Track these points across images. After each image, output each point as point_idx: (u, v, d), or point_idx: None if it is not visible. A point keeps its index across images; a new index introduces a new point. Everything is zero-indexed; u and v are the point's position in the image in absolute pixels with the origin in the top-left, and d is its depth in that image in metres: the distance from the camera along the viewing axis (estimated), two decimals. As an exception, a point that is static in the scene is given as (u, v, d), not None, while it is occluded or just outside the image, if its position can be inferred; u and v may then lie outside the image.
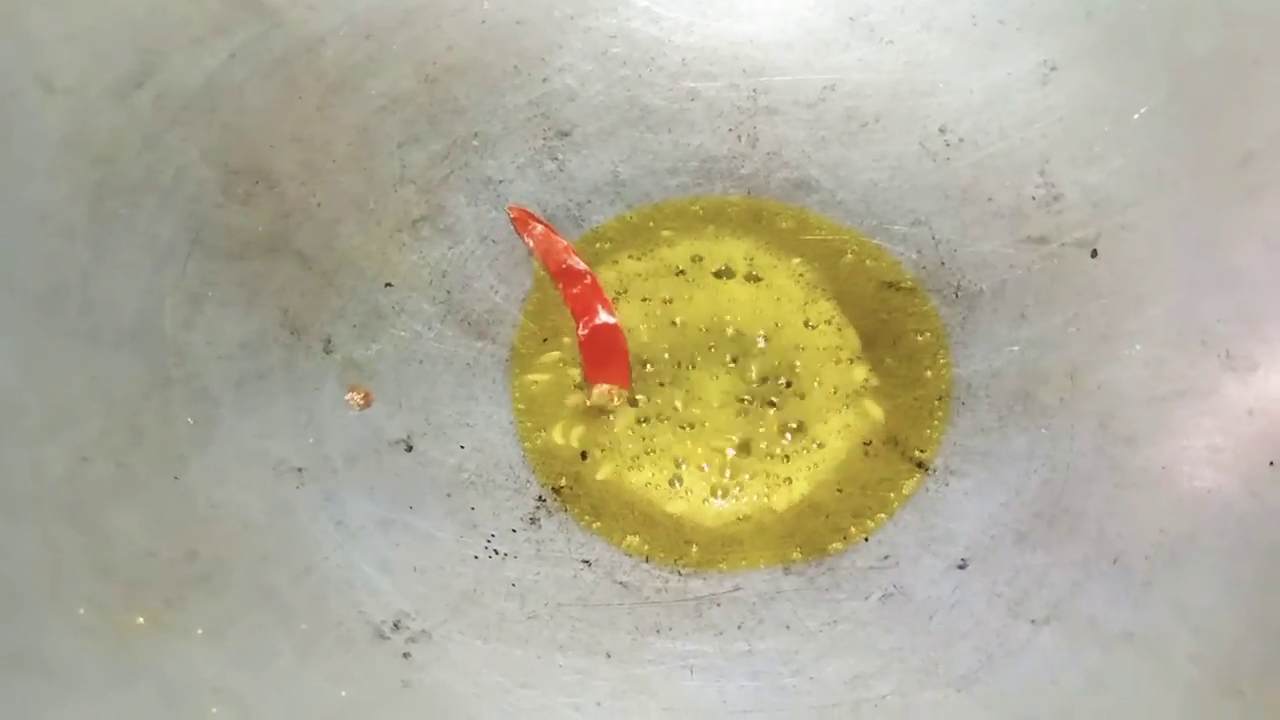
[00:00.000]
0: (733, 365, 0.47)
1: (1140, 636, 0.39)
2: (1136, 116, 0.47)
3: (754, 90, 0.51)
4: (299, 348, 0.45)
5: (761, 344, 0.47)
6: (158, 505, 0.40)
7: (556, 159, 0.50)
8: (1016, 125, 0.49)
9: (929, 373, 0.47)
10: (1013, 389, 0.46)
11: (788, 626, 0.41)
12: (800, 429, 0.45)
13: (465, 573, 0.42)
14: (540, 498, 0.44)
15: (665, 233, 0.49)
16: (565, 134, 0.50)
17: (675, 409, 0.46)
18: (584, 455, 0.45)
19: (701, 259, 0.49)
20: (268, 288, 0.45)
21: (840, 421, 0.45)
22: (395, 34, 0.49)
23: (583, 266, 0.48)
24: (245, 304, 0.45)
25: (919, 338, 0.47)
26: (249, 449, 0.42)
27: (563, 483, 0.45)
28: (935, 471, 0.45)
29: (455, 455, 0.44)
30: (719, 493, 0.44)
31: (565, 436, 0.45)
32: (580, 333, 0.47)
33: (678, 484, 0.44)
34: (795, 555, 0.43)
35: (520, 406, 0.46)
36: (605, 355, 0.46)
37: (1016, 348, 0.46)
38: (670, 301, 0.48)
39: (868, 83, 0.51)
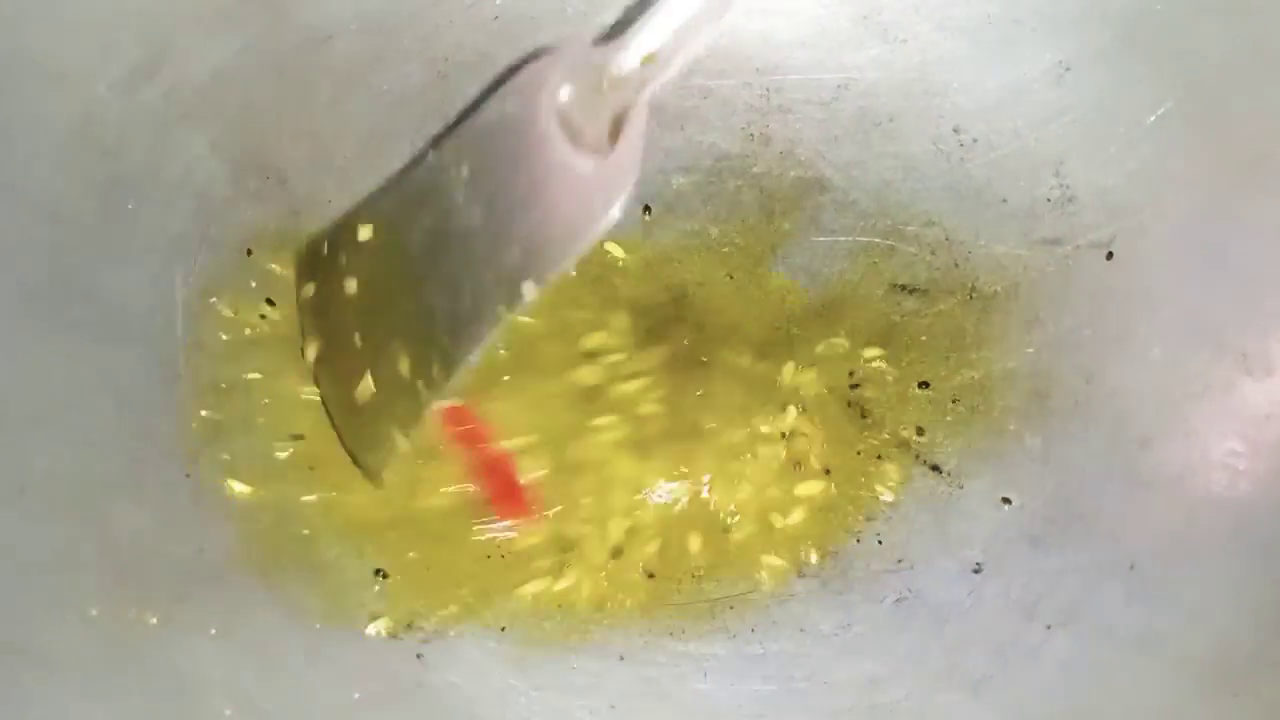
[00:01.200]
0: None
1: (1155, 641, 0.39)
2: (1152, 118, 0.46)
3: (767, 89, 0.51)
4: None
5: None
6: (168, 503, 0.40)
7: (568, 156, 0.50)
8: (1030, 126, 0.49)
9: (942, 376, 0.46)
10: (1027, 391, 0.46)
11: (801, 629, 0.41)
12: (812, 431, 0.45)
13: (478, 573, 0.42)
14: (552, 497, 0.44)
15: None
16: (577, 131, 0.50)
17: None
18: None
19: None
20: (278, 284, 0.45)
21: (853, 424, 0.45)
22: (406, 29, 0.49)
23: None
24: (254, 300, 0.44)
25: (932, 340, 0.47)
26: (259, 446, 0.42)
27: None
28: (949, 475, 0.44)
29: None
30: (730, 493, 0.44)
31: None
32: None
33: (690, 484, 0.44)
34: (808, 558, 0.43)
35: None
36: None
37: (1031, 350, 0.46)
38: None
39: (881, 82, 0.50)
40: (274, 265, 0.45)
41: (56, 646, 0.35)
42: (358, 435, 0.42)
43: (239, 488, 0.40)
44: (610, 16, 0.50)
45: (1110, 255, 0.47)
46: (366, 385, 0.41)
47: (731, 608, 0.42)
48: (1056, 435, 0.44)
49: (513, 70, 0.40)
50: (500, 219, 0.38)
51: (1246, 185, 0.45)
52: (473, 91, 0.49)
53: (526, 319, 0.45)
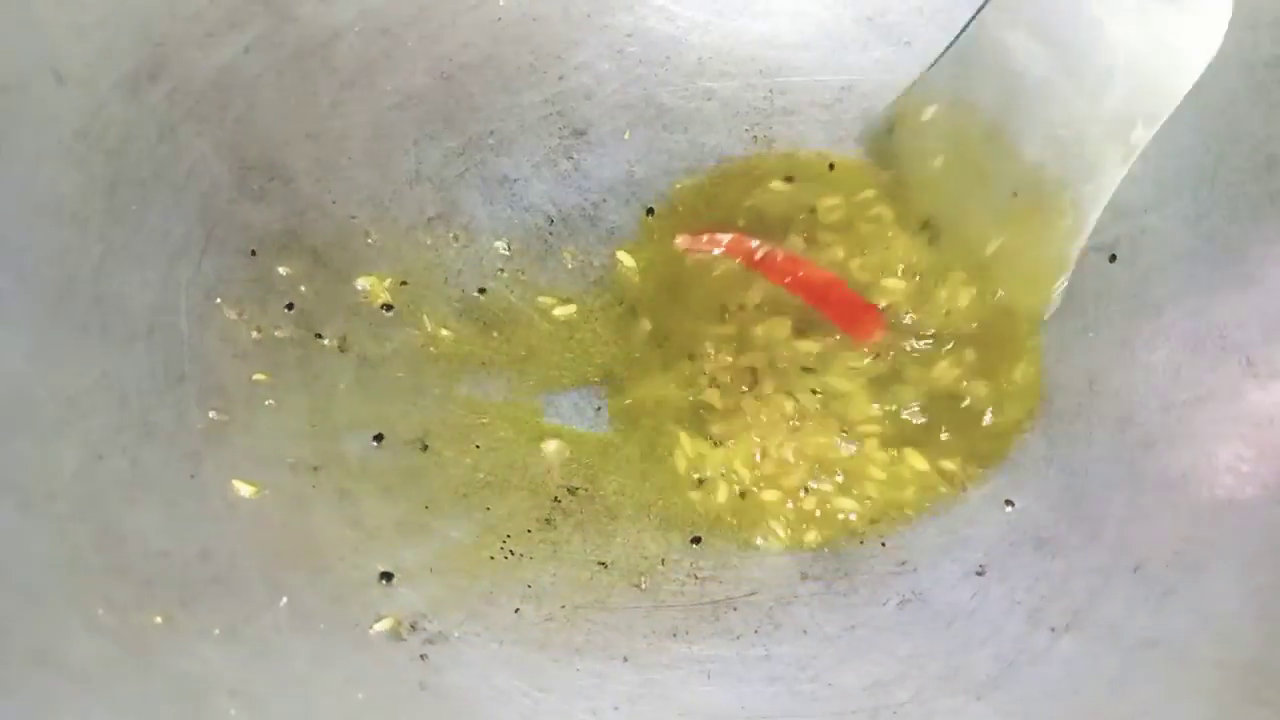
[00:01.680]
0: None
1: (1162, 644, 0.39)
2: (1156, 120, 0.46)
3: (770, 90, 0.51)
4: (313, 345, 0.45)
5: None
6: (172, 503, 0.39)
7: (572, 158, 0.50)
8: (1035, 127, 0.49)
9: (945, 376, 0.46)
10: (1031, 393, 0.45)
11: (805, 631, 0.41)
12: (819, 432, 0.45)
13: (481, 574, 0.42)
14: (556, 499, 0.44)
15: None
16: (581, 133, 0.50)
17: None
18: None
19: None
20: (281, 285, 0.45)
21: (860, 426, 0.45)
22: (410, 30, 0.49)
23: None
24: (259, 301, 0.44)
25: (936, 340, 0.47)
26: (263, 447, 0.42)
27: (578, 483, 0.44)
28: (953, 477, 0.44)
29: (471, 455, 0.44)
30: (738, 496, 0.44)
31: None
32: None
33: (697, 485, 0.44)
34: (812, 560, 0.43)
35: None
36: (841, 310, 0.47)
37: (1035, 352, 0.46)
38: None
39: (885, 84, 0.50)
40: (280, 267, 0.45)
41: (61, 647, 0.35)
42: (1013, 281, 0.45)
43: (244, 489, 0.40)
44: (623, 18, 0.50)
45: (1114, 257, 0.47)
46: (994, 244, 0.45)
47: (735, 609, 0.42)
48: (1060, 438, 0.44)
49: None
50: (1080, 69, 0.40)
51: (1249, 187, 0.45)
52: (477, 92, 0.49)
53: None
